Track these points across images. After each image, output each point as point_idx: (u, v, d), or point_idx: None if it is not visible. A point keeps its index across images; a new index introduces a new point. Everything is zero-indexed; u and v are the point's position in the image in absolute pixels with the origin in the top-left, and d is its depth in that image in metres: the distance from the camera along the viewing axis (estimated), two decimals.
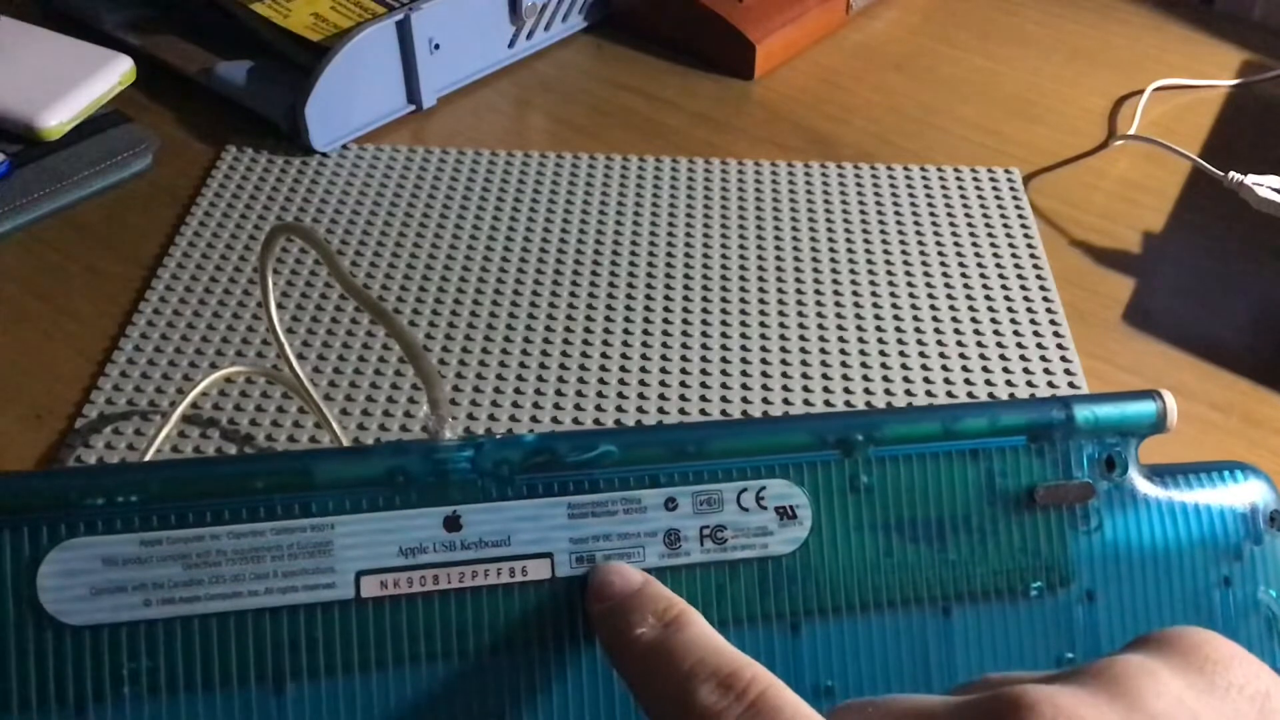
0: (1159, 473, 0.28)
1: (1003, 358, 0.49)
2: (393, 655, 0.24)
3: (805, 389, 0.48)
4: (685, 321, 0.51)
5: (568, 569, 0.25)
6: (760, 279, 0.53)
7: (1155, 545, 0.28)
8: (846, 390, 0.48)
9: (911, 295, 0.53)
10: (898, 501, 0.27)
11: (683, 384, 0.48)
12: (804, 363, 0.49)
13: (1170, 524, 0.28)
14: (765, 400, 0.47)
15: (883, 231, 0.56)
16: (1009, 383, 0.48)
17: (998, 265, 0.54)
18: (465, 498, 0.25)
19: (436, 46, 0.62)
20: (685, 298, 0.52)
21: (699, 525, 0.26)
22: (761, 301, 0.52)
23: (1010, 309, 0.52)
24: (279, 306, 0.50)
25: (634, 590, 0.24)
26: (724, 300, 0.52)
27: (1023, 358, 0.49)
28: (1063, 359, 0.49)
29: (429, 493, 0.25)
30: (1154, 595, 0.28)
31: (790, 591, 0.26)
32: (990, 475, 0.27)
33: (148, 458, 0.42)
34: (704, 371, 0.48)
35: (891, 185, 0.59)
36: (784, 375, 0.48)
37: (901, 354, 0.50)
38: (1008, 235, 0.56)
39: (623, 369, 0.48)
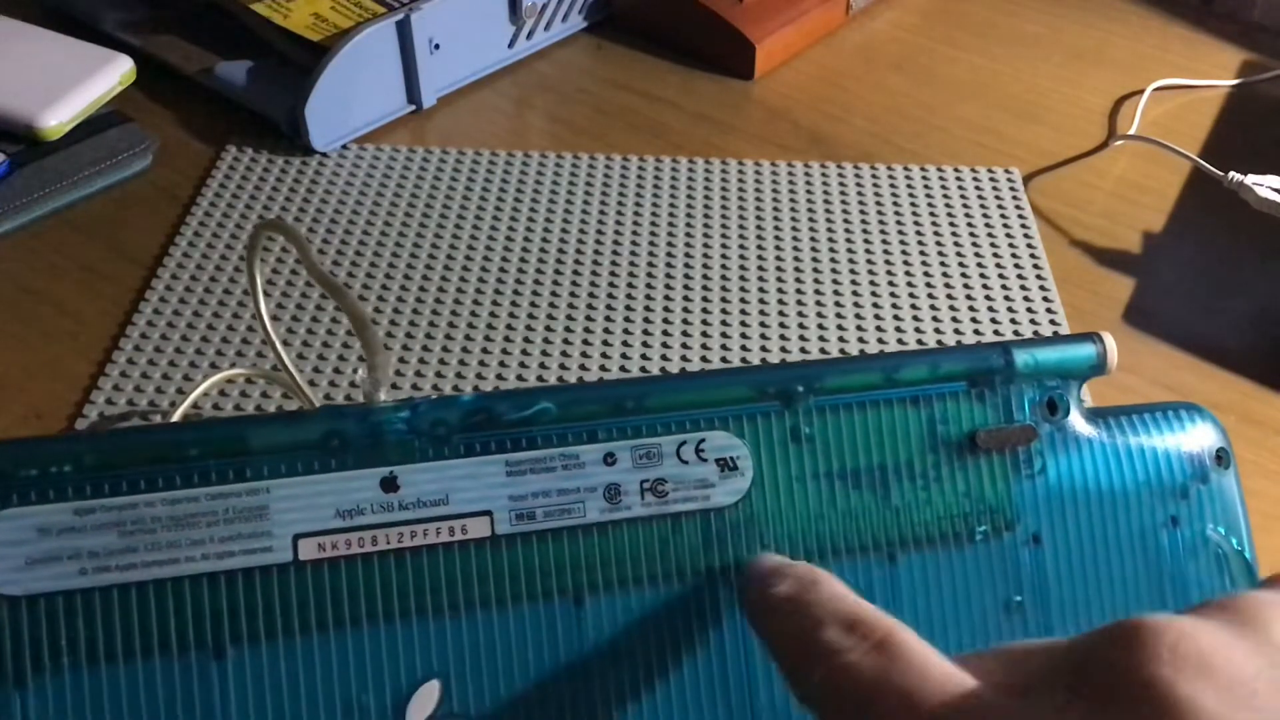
0: (1103, 415, 0.28)
1: None
2: (333, 617, 0.24)
3: None
4: (685, 321, 0.51)
5: (507, 527, 0.25)
6: (760, 279, 0.53)
7: (1100, 486, 0.28)
8: None
9: (911, 295, 0.53)
10: (840, 451, 0.27)
11: None
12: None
13: (1115, 465, 0.28)
14: None
15: (883, 231, 0.56)
16: None
17: (998, 265, 0.54)
18: (402, 458, 0.25)
19: (436, 46, 0.62)
20: (685, 298, 0.52)
21: (639, 479, 0.26)
22: (761, 301, 0.52)
23: (1010, 309, 0.52)
24: (279, 307, 0.50)
25: (780, 564, 0.25)
26: (724, 300, 0.52)
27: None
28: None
29: (366, 454, 0.25)
30: (1100, 536, 0.27)
31: (734, 543, 0.26)
32: (932, 422, 0.27)
33: None
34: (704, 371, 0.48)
35: (891, 185, 0.59)
36: None
37: None
38: (1008, 235, 0.56)
39: (623, 368, 0.48)
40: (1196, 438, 0.29)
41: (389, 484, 0.25)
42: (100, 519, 0.24)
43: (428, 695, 0.25)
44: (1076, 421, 0.28)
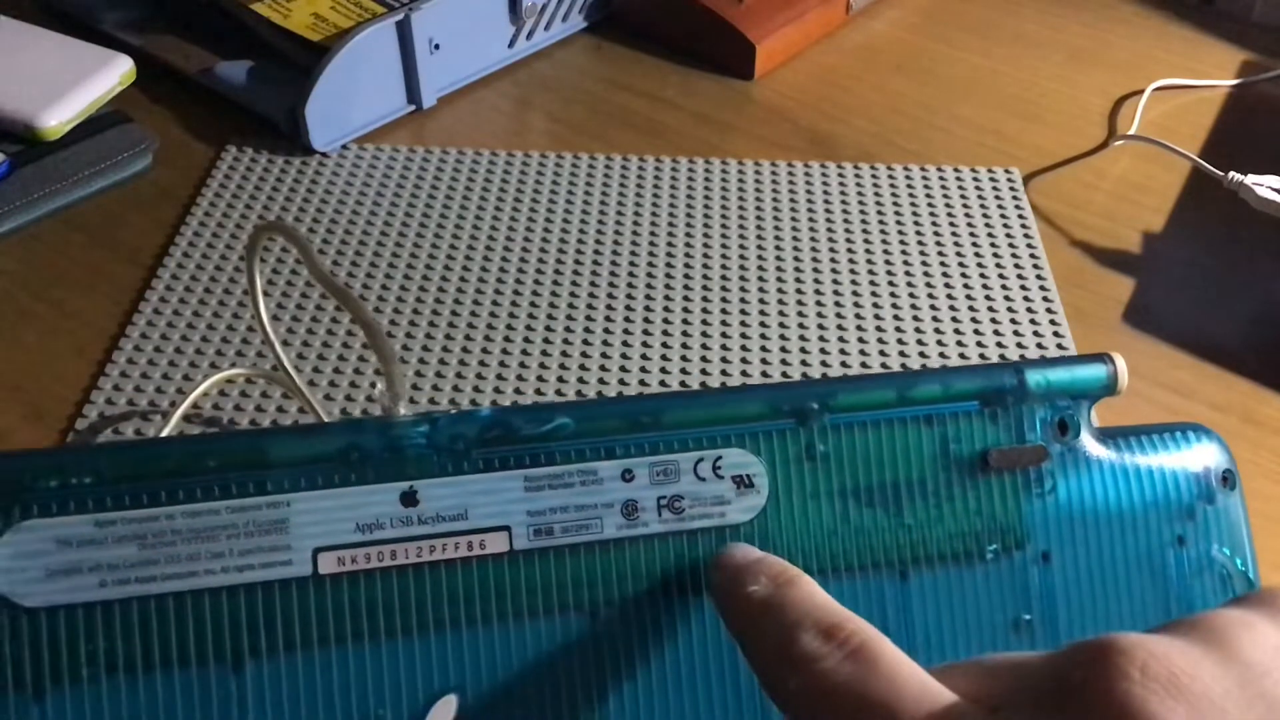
0: (1112, 435, 0.29)
1: (1003, 358, 0.49)
2: (351, 632, 0.24)
3: None
4: (685, 321, 0.51)
5: (525, 542, 0.25)
6: (760, 279, 0.53)
7: (1109, 506, 0.28)
8: None
9: (911, 295, 0.53)
10: (854, 468, 0.27)
11: (683, 384, 0.48)
12: (804, 363, 0.49)
13: (1124, 485, 0.28)
14: None
15: (883, 231, 0.56)
16: None
17: (998, 265, 0.54)
18: (422, 473, 0.25)
19: (436, 46, 0.62)
20: (685, 298, 0.52)
21: (656, 496, 0.26)
22: (761, 301, 0.52)
23: (1010, 309, 0.52)
24: (279, 307, 0.51)
25: (753, 560, 0.25)
26: (724, 300, 0.52)
27: (1023, 358, 0.49)
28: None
29: (385, 468, 0.25)
30: (1109, 555, 0.28)
31: None
32: (944, 440, 0.27)
33: None
34: (704, 372, 0.48)
35: (891, 185, 0.59)
36: (784, 375, 0.48)
37: (902, 354, 0.50)
38: (1008, 235, 0.56)
39: (623, 369, 0.48)
40: (1203, 458, 0.29)
41: (408, 498, 0.25)
42: (120, 531, 0.24)
43: (445, 709, 0.25)
44: (1087, 442, 0.28)
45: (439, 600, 0.25)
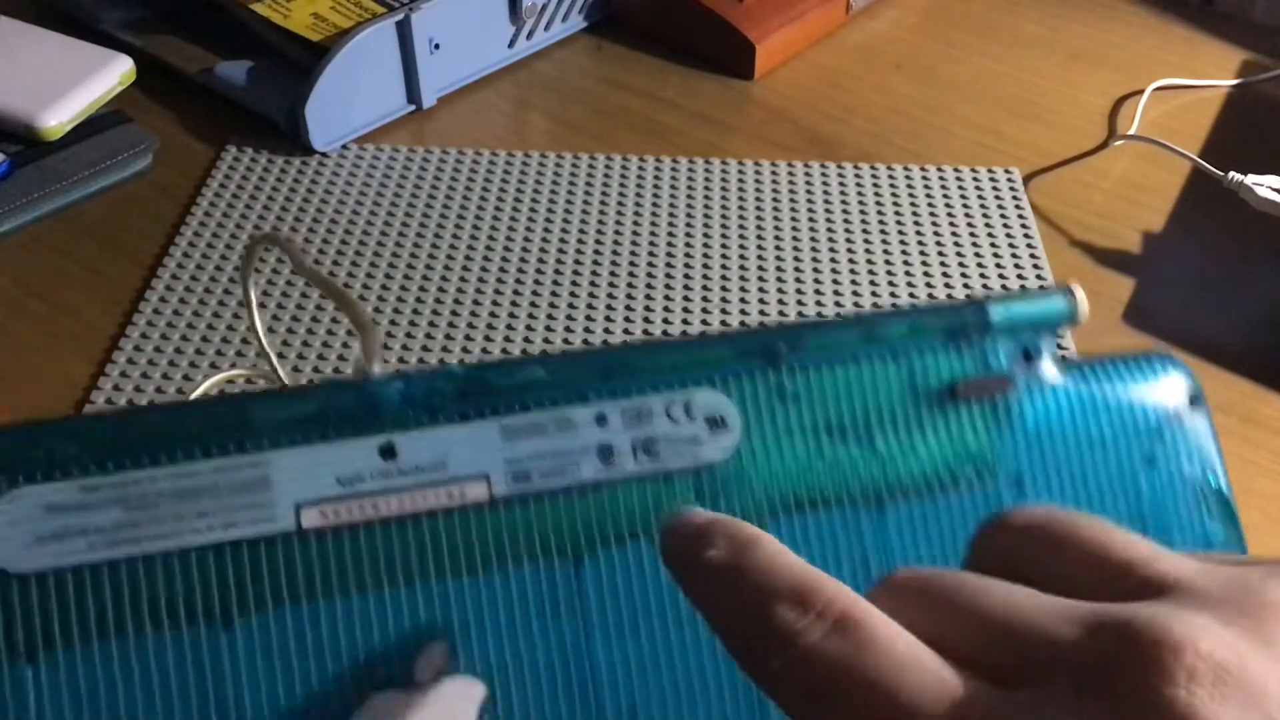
0: (1078, 364, 0.29)
1: None
2: (337, 584, 0.25)
3: None
4: (685, 321, 0.51)
5: (505, 489, 0.26)
6: (760, 279, 0.53)
7: (1078, 430, 0.28)
8: None
9: (912, 295, 0.53)
10: (825, 406, 0.27)
11: None
12: None
13: (1091, 409, 0.29)
14: None
15: (883, 231, 0.56)
16: None
17: (998, 265, 0.54)
18: (399, 426, 0.26)
19: (436, 46, 0.62)
20: (685, 298, 0.52)
21: (630, 439, 0.26)
22: (761, 301, 0.52)
23: None
24: (279, 307, 0.50)
25: (705, 522, 0.22)
26: (724, 300, 0.52)
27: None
28: (1063, 360, 0.49)
29: (363, 424, 0.25)
30: (1081, 478, 0.28)
31: (726, 497, 0.27)
32: (912, 375, 0.28)
33: None
34: None
35: (891, 185, 0.59)
36: None
37: None
38: (1008, 235, 0.56)
39: None
40: (1169, 383, 0.30)
41: (387, 451, 0.25)
42: (106, 495, 0.24)
43: (434, 655, 0.25)
44: (1051, 370, 0.29)
45: (422, 549, 0.25)
